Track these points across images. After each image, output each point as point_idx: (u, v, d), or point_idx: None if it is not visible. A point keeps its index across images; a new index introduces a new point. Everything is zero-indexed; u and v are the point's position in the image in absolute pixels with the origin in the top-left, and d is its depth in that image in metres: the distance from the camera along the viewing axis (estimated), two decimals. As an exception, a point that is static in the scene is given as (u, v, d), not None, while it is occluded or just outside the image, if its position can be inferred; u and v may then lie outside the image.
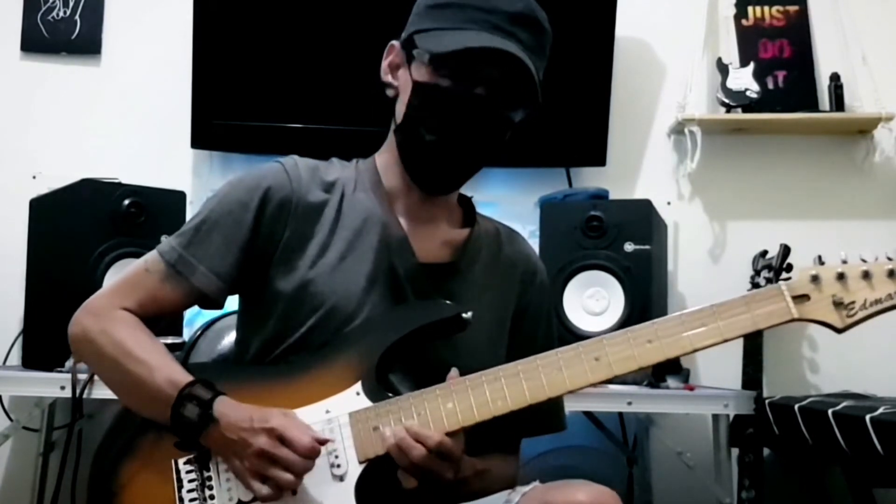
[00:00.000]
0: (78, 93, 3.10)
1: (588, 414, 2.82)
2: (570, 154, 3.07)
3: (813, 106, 3.07)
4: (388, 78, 1.44)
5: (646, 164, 3.15)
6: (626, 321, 2.47)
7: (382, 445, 1.29)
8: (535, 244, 2.76)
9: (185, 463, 1.33)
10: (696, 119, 3.01)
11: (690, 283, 3.05)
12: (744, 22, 3.15)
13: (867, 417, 1.97)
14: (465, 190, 1.50)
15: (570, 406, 2.51)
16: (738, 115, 3.03)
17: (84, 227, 2.47)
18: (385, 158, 1.47)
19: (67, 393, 2.30)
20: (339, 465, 1.30)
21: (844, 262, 1.32)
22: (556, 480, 1.35)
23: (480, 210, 1.55)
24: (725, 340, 1.31)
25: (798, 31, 3.14)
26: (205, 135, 2.98)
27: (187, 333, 2.40)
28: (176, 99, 2.98)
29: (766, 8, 3.15)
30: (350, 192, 1.45)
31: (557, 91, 2.89)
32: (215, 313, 1.81)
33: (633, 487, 2.92)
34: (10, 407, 2.71)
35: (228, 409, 1.30)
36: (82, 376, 2.27)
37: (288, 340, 1.39)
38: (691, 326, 1.31)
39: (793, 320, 1.31)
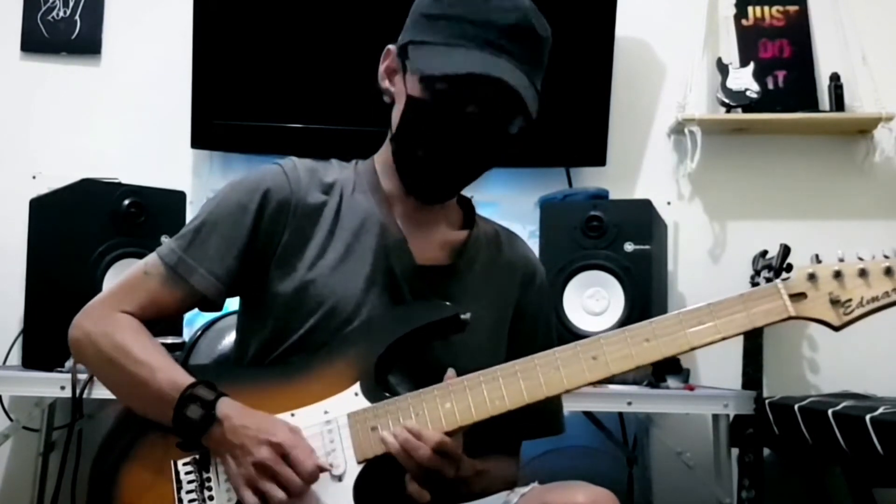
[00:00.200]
0: (78, 93, 3.10)
1: (588, 414, 2.82)
2: (570, 154, 3.07)
3: (813, 106, 3.07)
4: (385, 83, 1.44)
5: (646, 164, 3.15)
6: (626, 321, 2.47)
7: (385, 448, 1.29)
8: (535, 244, 2.76)
9: (184, 464, 1.34)
10: (696, 119, 3.01)
11: (690, 283, 3.05)
12: (744, 22, 3.15)
13: (867, 417, 1.97)
14: (465, 190, 1.50)
15: (571, 406, 2.53)
16: (738, 115, 3.03)
17: (84, 227, 2.47)
18: (383, 160, 1.47)
19: (67, 393, 2.30)
20: (337, 466, 1.30)
21: (841, 260, 1.32)
22: (555, 481, 1.35)
23: (480, 210, 1.55)
24: (723, 338, 1.31)
25: (798, 31, 3.14)
26: (205, 135, 2.98)
27: (187, 333, 2.40)
28: (176, 99, 2.98)
29: (766, 8, 3.15)
30: (349, 194, 1.45)
31: (557, 91, 2.90)
32: (215, 313, 1.81)
33: (633, 487, 2.92)
34: (10, 407, 2.71)
35: (233, 411, 1.30)
36: (82, 376, 2.28)
37: (287, 342, 1.39)
38: (689, 325, 1.32)
39: (790, 318, 1.31)
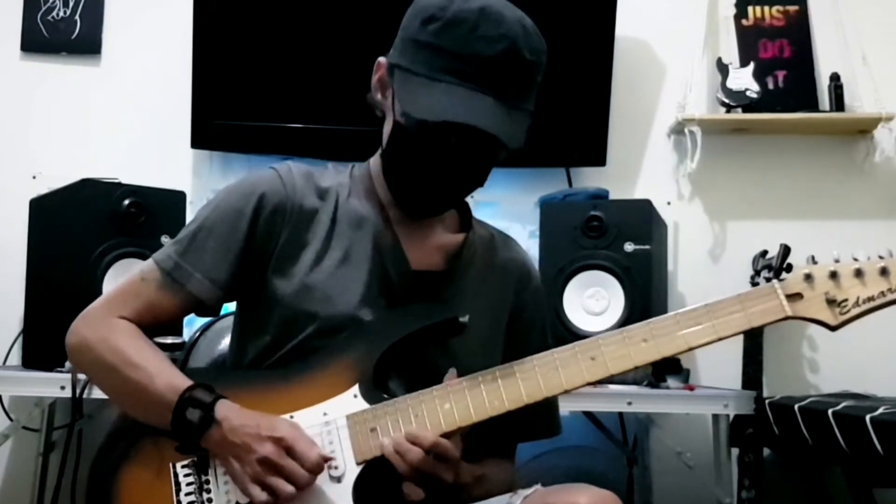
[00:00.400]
0: (78, 93, 3.10)
1: (588, 414, 2.82)
2: (570, 154, 3.07)
3: (813, 106, 3.07)
4: (377, 96, 1.43)
5: (646, 164, 3.15)
6: (626, 321, 2.47)
7: (380, 451, 1.29)
8: (535, 244, 2.77)
9: (182, 466, 1.34)
10: (696, 119, 3.01)
11: (690, 283, 3.06)
12: (744, 22, 3.15)
13: (867, 417, 1.97)
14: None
15: (571, 406, 2.54)
16: (738, 115, 3.03)
17: (84, 227, 2.47)
18: (378, 166, 1.47)
19: (67, 393, 2.31)
20: (336, 467, 1.31)
21: (837, 260, 1.33)
22: (558, 483, 1.35)
23: (480, 210, 1.56)
24: (720, 339, 1.32)
25: (798, 31, 3.14)
26: (205, 135, 2.98)
27: (187, 333, 2.40)
28: (176, 99, 2.98)
29: (766, 8, 3.15)
30: (344, 199, 1.45)
31: (557, 91, 2.91)
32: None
33: (633, 487, 2.92)
34: (10, 407, 2.71)
35: (232, 412, 1.30)
36: (82, 376, 2.28)
37: (285, 346, 1.39)
38: (686, 325, 1.32)
39: (786, 318, 1.32)
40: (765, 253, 2.90)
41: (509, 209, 3.07)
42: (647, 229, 2.66)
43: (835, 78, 3.06)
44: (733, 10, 3.16)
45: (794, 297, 1.32)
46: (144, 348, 1.38)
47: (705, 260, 3.11)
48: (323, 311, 1.38)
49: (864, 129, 3.07)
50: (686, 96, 3.08)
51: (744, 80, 3.02)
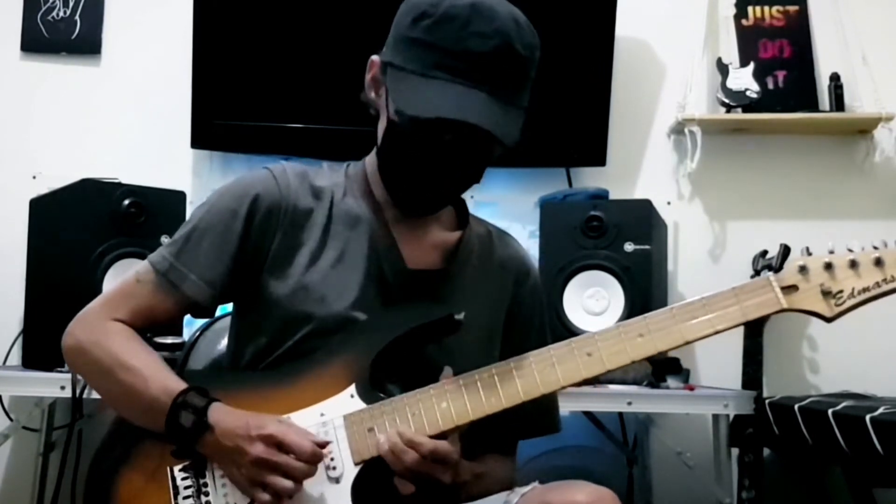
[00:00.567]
0: (78, 93, 3.10)
1: (588, 414, 2.82)
2: (570, 154, 3.07)
3: (813, 106, 3.07)
4: (371, 94, 1.42)
5: (646, 164, 3.15)
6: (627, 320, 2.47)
7: (377, 451, 1.29)
8: (535, 244, 2.77)
9: (180, 470, 1.34)
10: (696, 119, 3.01)
11: (690, 283, 3.05)
12: (744, 22, 3.15)
13: (867, 417, 1.97)
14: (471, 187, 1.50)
15: (571, 406, 2.54)
16: (738, 115, 3.03)
17: (84, 227, 2.47)
18: (374, 165, 1.47)
19: (67, 393, 2.30)
20: (334, 467, 1.31)
21: (832, 252, 1.33)
22: (556, 481, 1.35)
23: (480, 210, 1.55)
24: (716, 332, 1.32)
25: (798, 31, 3.14)
26: (205, 135, 2.98)
27: (187, 333, 2.40)
28: (176, 99, 2.98)
29: (766, 8, 3.15)
30: (339, 199, 1.45)
31: (557, 91, 2.92)
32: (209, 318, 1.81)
33: (633, 487, 2.92)
34: (10, 407, 2.71)
35: (223, 415, 1.30)
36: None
37: (282, 347, 1.39)
38: (682, 319, 1.32)
39: (782, 310, 1.32)
40: (765, 253, 2.91)
41: (509, 209, 3.07)
42: (647, 229, 2.66)
43: (835, 78, 3.06)
44: (733, 10, 3.16)
45: (789, 289, 1.32)
46: (139, 351, 1.38)
47: (705, 260, 3.11)
48: (319, 311, 1.37)
49: (864, 129, 3.07)
50: (686, 96, 3.08)
51: (744, 80, 3.02)
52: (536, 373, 1.32)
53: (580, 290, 2.64)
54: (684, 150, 3.07)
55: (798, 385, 2.99)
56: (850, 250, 1.32)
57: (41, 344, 2.43)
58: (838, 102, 3.04)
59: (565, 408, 2.56)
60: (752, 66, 3.03)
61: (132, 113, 3.09)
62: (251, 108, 2.97)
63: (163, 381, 1.34)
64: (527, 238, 2.98)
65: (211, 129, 2.97)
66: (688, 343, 1.32)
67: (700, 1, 3.15)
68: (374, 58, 1.41)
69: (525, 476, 1.48)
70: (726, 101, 3.01)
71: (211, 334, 1.71)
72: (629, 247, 2.63)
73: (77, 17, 3.10)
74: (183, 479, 1.33)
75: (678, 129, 3.08)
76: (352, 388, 1.35)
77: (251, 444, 1.26)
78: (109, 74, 3.12)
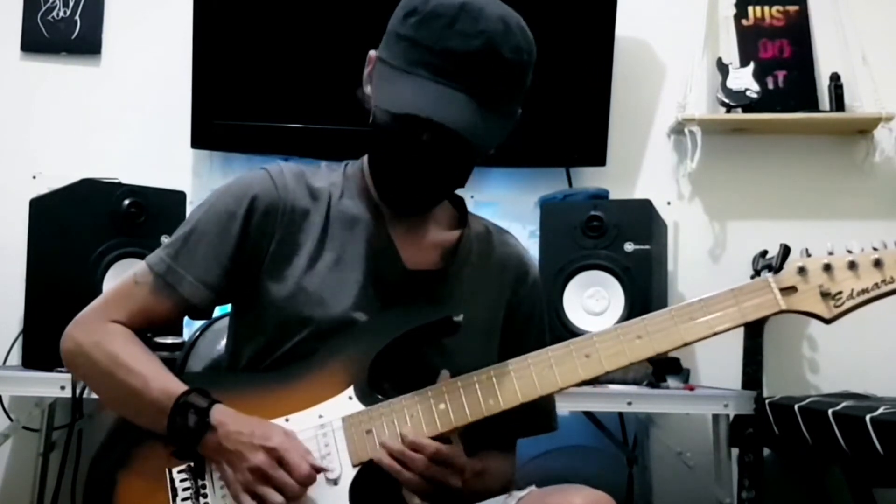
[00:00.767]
0: (78, 93, 3.10)
1: (588, 414, 2.82)
2: (570, 154, 3.07)
3: (813, 106, 3.07)
4: (367, 89, 1.41)
5: (646, 164, 3.15)
6: (626, 321, 2.47)
7: (382, 463, 1.28)
8: (535, 244, 2.77)
9: (179, 471, 1.34)
10: (696, 119, 3.01)
11: (690, 283, 3.05)
12: (744, 22, 3.15)
13: (867, 417, 1.97)
14: (466, 189, 1.50)
15: (570, 406, 2.54)
16: (738, 115, 3.02)
17: (84, 227, 2.47)
18: (367, 160, 1.47)
19: (67, 393, 2.30)
20: (332, 469, 1.30)
21: (830, 253, 1.32)
22: (553, 484, 1.35)
23: (481, 210, 1.55)
24: (715, 334, 1.32)
25: (798, 31, 3.14)
26: (205, 135, 2.98)
27: (187, 333, 2.41)
28: (176, 99, 2.98)
29: (766, 8, 3.15)
30: (337, 199, 1.44)
31: (557, 91, 2.92)
32: (216, 313, 1.81)
33: (633, 487, 2.92)
34: (10, 407, 2.71)
35: (227, 417, 1.30)
36: (82, 377, 2.28)
37: (281, 349, 1.39)
38: (681, 320, 1.32)
39: (781, 312, 1.32)
40: (765, 253, 2.91)
41: (509, 209, 3.07)
42: (647, 229, 2.66)
43: (835, 78, 3.06)
44: (733, 10, 3.15)
45: (788, 290, 1.32)
46: (139, 353, 1.38)
47: (705, 260, 3.11)
48: (317, 314, 1.37)
49: (864, 129, 3.07)
50: (686, 96, 3.08)
51: (744, 80, 3.01)
52: (534, 374, 1.32)
53: (580, 290, 2.64)
54: (684, 150, 3.07)
55: (798, 385, 2.99)
56: (850, 251, 1.32)
57: (41, 344, 2.43)
58: (838, 102, 3.04)
59: (565, 408, 2.58)
60: (752, 66, 3.03)
61: (132, 113, 3.09)
62: (251, 108, 2.97)
63: (163, 382, 1.34)
64: (527, 238, 2.98)
65: (211, 129, 2.97)
66: (686, 345, 1.33)
67: (700, 1, 3.15)
68: (372, 53, 1.41)
69: (525, 476, 1.48)
70: (726, 101, 3.01)
71: (211, 334, 1.71)
72: (629, 247, 2.63)
73: (77, 17, 3.10)
74: (182, 480, 1.33)
75: (678, 129, 3.08)
76: (350, 390, 1.35)
77: (253, 452, 1.26)
78: (109, 74, 3.12)
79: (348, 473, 1.31)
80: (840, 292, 1.31)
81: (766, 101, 3.02)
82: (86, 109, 3.10)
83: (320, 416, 1.34)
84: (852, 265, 1.32)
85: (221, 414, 1.30)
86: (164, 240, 1.48)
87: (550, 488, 1.33)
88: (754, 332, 2.77)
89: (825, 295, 1.31)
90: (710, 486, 2.61)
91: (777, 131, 3.11)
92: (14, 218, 2.72)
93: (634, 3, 3.07)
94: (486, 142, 1.31)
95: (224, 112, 2.96)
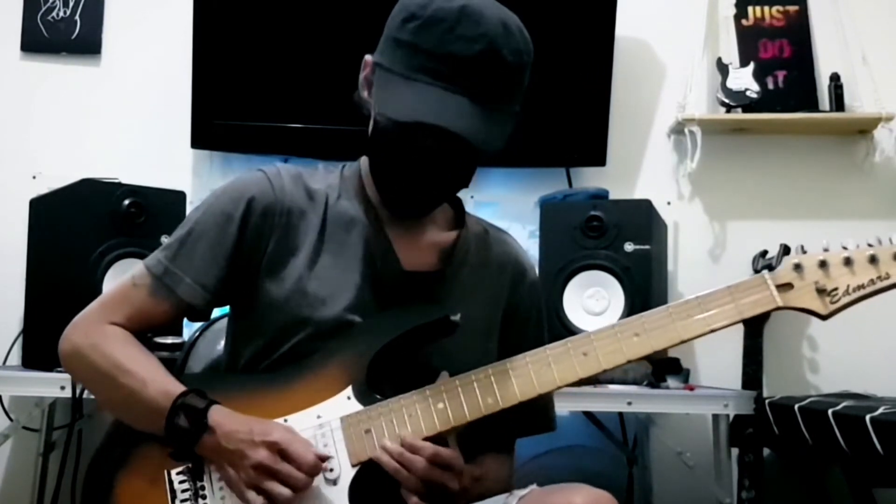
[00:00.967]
0: (78, 93, 3.10)
1: (588, 414, 2.82)
2: (570, 154, 3.07)
3: (813, 106, 3.07)
4: (364, 94, 1.41)
5: (646, 164, 3.15)
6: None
7: (381, 461, 1.28)
8: (534, 244, 2.77)
9: (177, 473, 1.33)
10: (696, 119, 3.01)
11: (690, 283, 3.05)
12: (744, 22, 3.15)
13: (867, 417, 1.97)
14: (466, 190, 1.49)
15: (570, 406, 2.54)
16: (738, 115, 3.02)
17: (84, 227, 2.47)
18: (368, 166, 1.47)
19: (67, 393, 2.31)
20: (331, 469, 1.31)
21: (826, 250, 1.33)
22: (554, 483, 1.35)
23: (481, 210, 1.55)
24: (712, 331, 1.32)
25: (798, 31, 3.14)
26: (205, 135, 2.98)
27: (187, 334, 2.41)
28: (176, 99, 2.98)
29: (766, 8, 3.15)
30: (334, 200, 1.45)
31: (557, 91, 2.92)
32: (215, 314, 1.81)
33: (633, 487, 2.92)
34: (10, 407, 2.71)
35: (225, 418, 1.30)
36: (82, 377, 2.28)
37: (279, 350, 1.39)
38: (678, 318, 1.32)
39: (777, 308, 1.32)
40: (765, 253, 2.91)
41: (509, 209, 3.07)
42: (647, 229, 2.66)
43: (835, 78, 3.06)
44: (733, 10, 3.15)
45: (784, 287, 1.32)
46: (137, 354, 1.38)
47: (705, 260, 3.11)
48: (316, 315, 1.37)
49: (864, 129, 3.07)
50: (686, 96, 3.08)
51: (744, 80, 3.01)
52: (533, 373, 1.32)
53: (580, 290, 2.64)
54: (684, 150, 3.07)
55: (798, 385, 2.99)
56: (845, 248, 1.33)
57: (41, 344, 2.43)
58: (838, 102, 3.04)
59: (565, 408, 2.58)
60: (752, 66, 3.03)
61: (132, 113, 3.09)
62: (251, 108, 2.97)
63: (162, 383, 1.34)
64: (527, 238, 2.98)
65: (211, 129, 2.97)
66: (684, 342, 1.33)
67: (700, 1, 3.15)
68: (368, 57, 1.41)
69: (525, 476, 1.48)
70: (726, 101, 3.01)
71: (210, 334, 1.71)
72: (629, 247, 2.63)
73: (77, 17, 3.10)
74: (180, 482, 1.33)
75: (678, 129, 3.08)
76: (348, 390, 1.35)
77: (254, 449, 1.26)
78: (109, 74, 3.12)
79: (347, 473, 1.31)
80: (836, 288, 1.32)
81: (766, 101, 3.02)
82: (86, 109, 3.10)
83: (319, 417, 1.34)
84: (848, 261, 1.32)
85: (219, 414, 1.30)
86: (164, 240, 1.48)
87: (551, 487, 1.33)
88: (754, 332, 2.77)
89: (821, 291, 1.32)
90: (710, 486, 2.61)
91: (777, 131, 3.11)
92: (14, 218, 2.72)
93: (634, 3, 3.07)
94: (492, 145, 1.31)
95: (224, 112, 2.96)
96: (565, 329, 2.57)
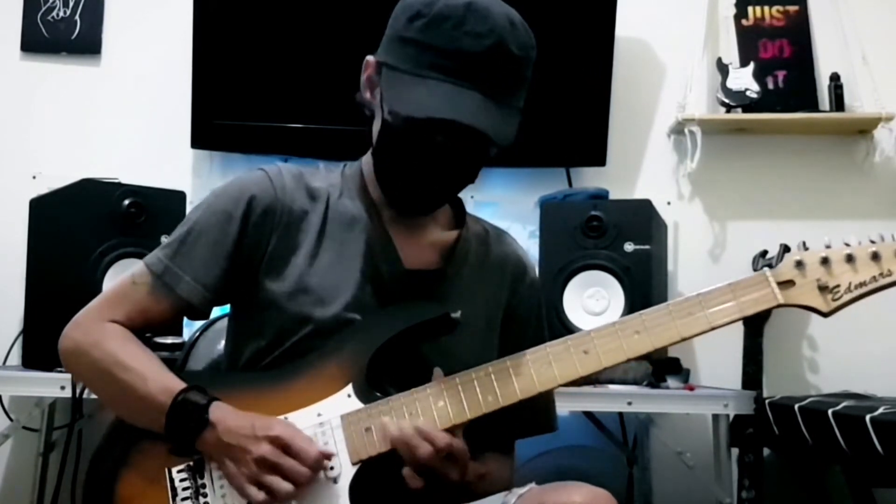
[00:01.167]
0: (78, 93, 3.10)
1: (588, 414, 2.82)
2: (570, 154, 3.07)
3: (813, 106, 3.07)
4: (366, 95, 1.42)
5: (646, 164, 3.15)
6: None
7: (386, 440, 1.29)
8: (535, 244, 2.77)
9: (178, 471, 1.33)
10: (696, 119, 3.01)
11: (690, 283, 3.05)
12: (744, 22, 3.15)
13: (867, 417, 1.97)
14: (466, 190, 1.49)
15: (571, 406, 2.54)
16: (738, 115, 3.02)
17: (84, 227, 2.47)
18: (370, 164, 1.47)
19: (67, 393, 2.31)
20: (332, 467, 1.30)
21: (828, 247, 1.33)
22: (553, 482, 1.35)
23: (480, 210, 1.55)
24: (713, 328, 1.32)
25: (798, 31, 3.14)
26: (205, 135, 2.98)
27: (187, 333, 2.41)
28: (176, 99, 2.98)
29: (766, 8, 3.15)
30: (335, 199, 1.45)
31: (557, 91, 2.92)
32: (215, 314, 1.81)
33: (633, 487, 2.92)
34: (10, 407, 2.71)
35: (226, 414, 1.30)
36: (82, 376, 2.28)
37: (279, 348, 1.39)
38: (678, 316, 1.32)
39: (779, 306, 1.32)
40: (765, 253, 2.90)
41: (509, 209, 3.07)
42: (647, 229, 2.66)
43: (835, 78, 3.06)
44: (733, 10, 3.16)
45: (785, 284, 1.32)
46: (137, 352, 1.38)
47: (705, 260, 3.11)
48: (316, 313, 1.37)
49: (864, 129, 3.07)
50: (686, 96, 3.08)
51: (744, 80, 3.01)
52: (533, 371, 1.32)
53: (580, 290, 2.64)
54: (684, 150, 3.07)
55: (798, 385, 2.99)
56: (847, 245, 1.33)
57: (41, 344, 2.43)
58: (838, 102, 3.04)
59: (565, 407, 2.58)
60: (752, 66, 3.03)
61: (132, 113, 3.09)
62: (251, 108, 2.97)
63: (162, 380, 1.34)
64: (527, 238, 2.98)
65: (211, 129, 2.97)
66: (684, 339, 1.33)
67: (700, 1, 3.15)
68: (370, 58, 1.41)
69: (524, 476, 1.48)
70: (726, 101, 3.01)
71: (211, 334, 1.71)
72: (629, 247, 2.63)
73: (77, 17, 3.10)
74: (181, 480, 1.33)
75: (678, 129, 3.08)
76: (349, 388, 1.35)
77: (257, 444, 1.27)
78: (109, 74, 3.12)
79: (348, 471, 1.31)
80: (838, 286, 1.31)
81: (766, 101, 3.02)
82: (86, 109, 3.10)
83: (319, 415, 1.34)
84: (850, 258, 1.32)
85: (220, 411, 1.30)
86: (164, 240, 1.49)
87: (551, 485, 1.33)
88: (754, 332, 2.77)
89: (823, 288, 1.32)
90: (710, 486, 2.61)
91: (777, 131, 3.11)
92: (14, 218, 2.72)
93: (634, 3, 3.07)
94: (507, 139, 1.32)
95: (224, 112, 2.96)
96: (565, 329, 2.56)
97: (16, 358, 2.73)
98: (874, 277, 1.31)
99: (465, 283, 1.47)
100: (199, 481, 1.33)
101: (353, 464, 1.31)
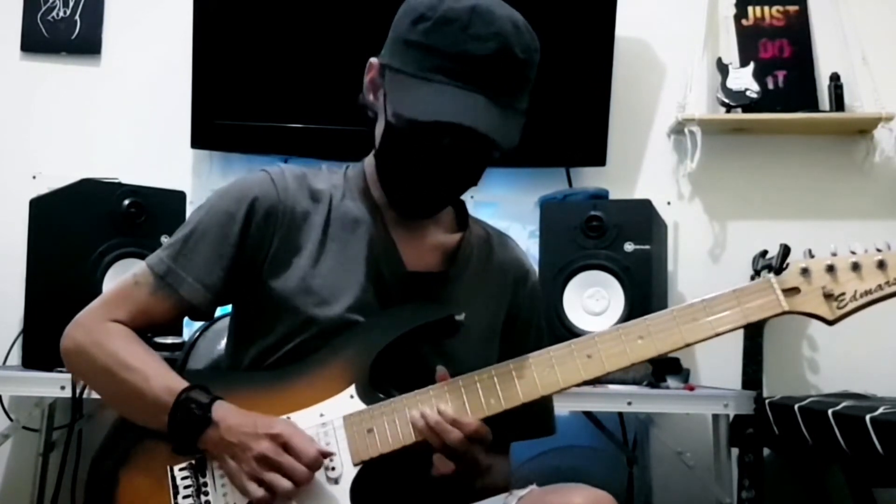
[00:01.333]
0: (78, 93, 3.10)
1: (588, 414, 2.82)
2: (570, 154, 3.07)
3: (813, 106, 3.07)
4: (369, 97, 1.42)
5: (646, 164, 3.15)
6: (626, 321, 2.47)
7: (414, 430, 1.30)
8: (535, 244, 2.77)
9: (180, 469, 1.34)
10: (696, 119, 3.01)
11: (690, 283, 3.05)
12: (744, 22, 3.15)
13: (867, 417, 1.97)
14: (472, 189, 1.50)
15: (571, 406, 2.54)
16: (738, 115, 3.03)
17: (84, 227, 2.47)
18: (372, 167, 1.47)
19: (67, 393, 2.31)
20: (333, 468, 1.31)
21: (834, 254, 1.32)
22: (553, 483, 1.35)
23: (481, 210, 1.55)
24: (717, 335, 1.32)
25: (798, 31, 3.14)
26: (205, 135, 2.98)
27: (187, 333, 2.41)
28: (176, 99, 2.98)
29: (766, 8, 3.15)
30: (338, 201, 1.45)
31: (557, 91, 2.92)
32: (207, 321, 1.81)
33: (633, 487, 2.92)
34: (10, 407, 2.71)
35: (228, 412, 1.30)
36: (82, 376, 2.28)
37: (282, 349, 1.39)
38: (683, 321, 1.32)
39: (783, 313, 1.32)
40: (765, 253, 2.90)
41: (509, 209, 3.07)
42: (647, 229, 2.66)
43: (835, 78, 3.06)
44: (733, 10, 3.16)
45: (790, 291, 1.32)
46: (139, 351, 1.38)
47: (705, 260, 3.11)
48: (319, 314, 1.37)
49: (864, 129, 3.07)
50: (686, 96, 3.08)
51: (744, 80, 3.02)
52: (536, 374, 1.32)
53: (580, 290, 2.64)
54: (684, 150, 3.07)
55: (798, 385, 2.99)
56: (853, 252, 1.32)
57: (41, 344, 2.43)
58: (838, 102, 3.04)
59: (565, 408, 2.59)
60: (752, 66, 3.03)
61: (132, 113, 3.09)
62: (251, 108, 2.97)
63: (164, 379, 1.34)
64: (527, 238, 2.98)
65: (211, 129, 2.97)
66: (688, 345, 1.32)
67: (700, 1, 3.15)
68: (373, 60, 1.41)
69: (524, 475, 1.48)
70: (726, 101, 3.01)
71: (211, 334, 1.71)
72: (629, 247, 2.63)
73: (77, 17, 3.10)
74: (183, 478, 1.33)
75: (678, 129, 3.08)
76: (351, 389, 1.35)
77: (257, 441, 1.27)
78: (109, 74, 3.12)
79: (349, 472, 1.31)
80: (843, 294, 1.30)
81: (766, 101, 3.02)
82: (86, 109, 3.10)
83: (321, 415, 1.34)
84: (856, 266, 1.31)
85: (222, 409, 1.31)
86: (164, 240, 1.49)
87: (551, 487, 1.33)
88: (754, 333, 2.77)
89: (828, 296, 1.31)
90: (710, 486, 2.61)
91: (777, 131, 3.11)
92: (14, 218, 2.72)
93: (634, 3, 3.07)
94: (512, 142, 1.32)
95: (224, 112, 2.96)
96: (565, 329, 2.57)
97: (16, 358, 2.73)
98: (880, 286, 1.30)
99: (467, 287, 1.47)
100: (201, 480, 1.33)
101: (355, 465, 1.31)
